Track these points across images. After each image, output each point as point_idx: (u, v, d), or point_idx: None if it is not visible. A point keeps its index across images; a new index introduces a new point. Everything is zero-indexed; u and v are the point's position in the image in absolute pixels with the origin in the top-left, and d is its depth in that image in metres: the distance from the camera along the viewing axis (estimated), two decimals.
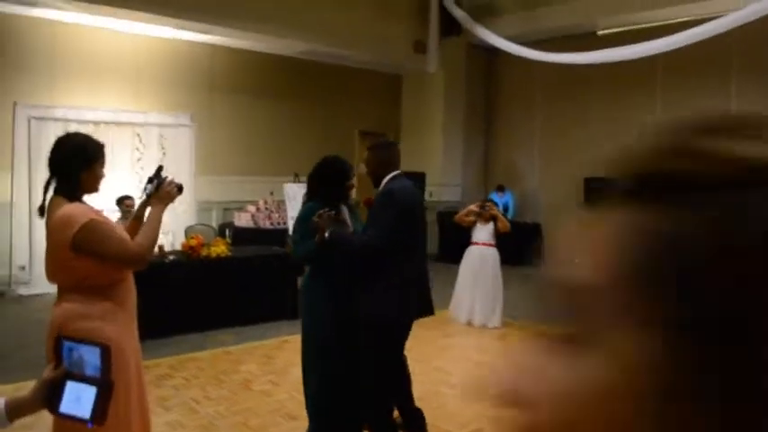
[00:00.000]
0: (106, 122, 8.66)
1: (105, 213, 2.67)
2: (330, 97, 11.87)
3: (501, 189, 12.20)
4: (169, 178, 2.68)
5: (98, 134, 8.45)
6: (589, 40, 10.76)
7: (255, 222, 9.30)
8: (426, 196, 11.99)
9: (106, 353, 1.46)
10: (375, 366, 3.48)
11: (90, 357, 1.45)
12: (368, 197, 3.76)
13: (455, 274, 10.31)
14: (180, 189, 2.72)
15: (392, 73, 12.91)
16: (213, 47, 10.27)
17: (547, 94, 12.52)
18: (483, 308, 6.74)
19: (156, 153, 9.05)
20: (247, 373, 5.18)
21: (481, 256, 6.78)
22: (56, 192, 2.43)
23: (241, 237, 8.50)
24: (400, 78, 13.19)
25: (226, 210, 10.28)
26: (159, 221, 2.55)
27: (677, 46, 8.59)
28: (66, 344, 1.43)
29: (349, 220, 3.77)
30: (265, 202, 9.71)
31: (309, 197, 3.75)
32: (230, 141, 10.56)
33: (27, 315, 6.97)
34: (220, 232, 8.80)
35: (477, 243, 6.88)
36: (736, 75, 9.95)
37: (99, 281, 2.37)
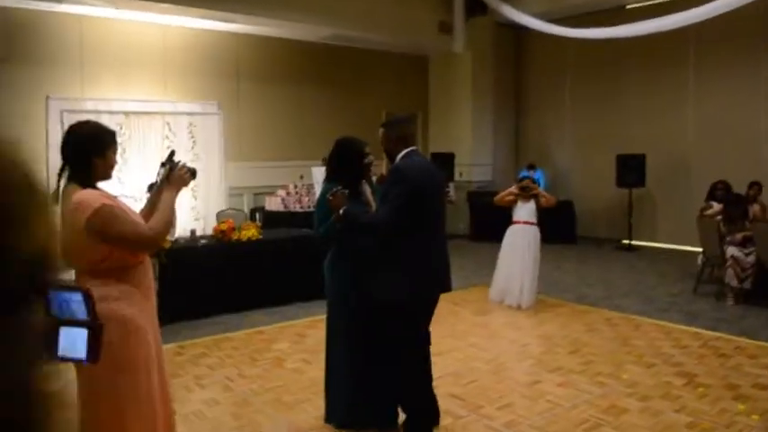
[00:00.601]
0: (136, 113, 8.76)
1: (132, 200, 2.68)
2: (356, 81, 11.85)
3: (532, 167, 12.05)
4: (181, 163, 2.67)
5: (128, 124, 8.65)
6: (618, 15, 10.54)
7: (286, 206, 9.35)
8: (456, 176, 11.96)
9: (88, 296, 1.52)
10: (395, 348, 3.47)
11: (75, 304, 1.51)
12: (381, 174, 3.73)
13: (487, 252, 10.31)
14: (193, 174, 2.69)
15: (418, 54, 12.82)
16: (238, 35, 10.32)
17: (576, 71, 12.31)
18: (524, 286, 6.67)
19: (186, 141, 9.14)
20: (280, 351, 5.23)
21: (524, 234, 6.69)
22: (69, 179, 2.46)
23: (272, 220, 8.58)
24: (427, 60, 13.09)
25: (256, 194, 10.37)
26: (172, 206, 2.56)
27: (709, 16, 8.33)
28: (51, 294, 1.46)
29: (371, 199, 3.78)
30: (295, 186, 9.77)
31: (329, 179, 3.77)
32: (258, 128, 10.63)
33: None
34: (251, 216, 8.89)
35: (518, 222, 6.79)
36: None
37: (114, 264, 2.39)
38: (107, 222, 2.33)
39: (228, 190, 9.71)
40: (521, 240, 6.68)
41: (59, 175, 2.48)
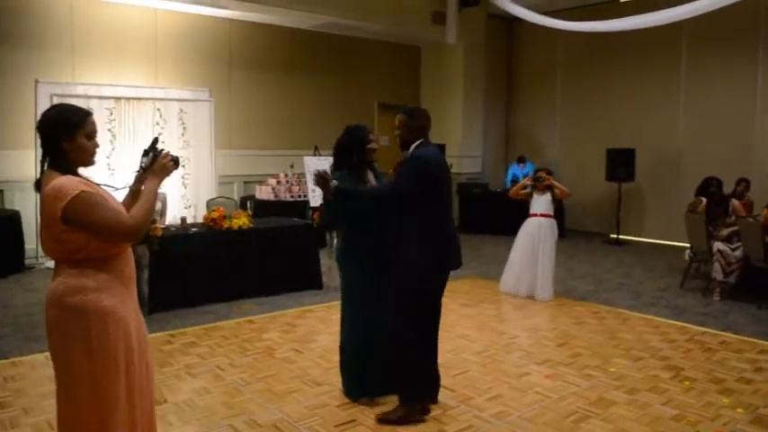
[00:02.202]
0: (127, 98, 8.68)
1: (113, 190, 2.60)
2: (348, 70, 11.81)
3: (522, 160, 12.11)
4: (165, 151, 2.58)
5: (119, 110, 8.58)
6: (610, 8, 10.58)
7: (276, 195, 9.34)
8: None
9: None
10: (410, 322, 3.61)
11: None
12: (399, 161, 3.82)
13: (476, 244, 10.39)
14: (176, 162, 2.62)
15: (411, 45, 12.79)
16: (231, 21, 10.24)
17: (568, 64, 12.35)
18: (539, 278, 6.70)
19: (177, 128, 9.07)
20: (270, 341, 5.24)
21: (540, 226, 6.71)
22: (49, 166, 2.37)
23: (262, 209, 8.56)
24: (419, 50, 13.07)
25: (247, 183, 10.34)
26: (155, 195, 2.47)
27: (703, 11, 8.36)
28: None
29: (375, 184, 3.91)
30: (286, 175, 9.76)
31: (336, 166, 3.90)
32: (249, 116, 10.58)
33: None
34: (242, 205, 8.86)
35: (534, 214, 6.80)
36: (764, 41, 9.71)
37: (93, 254, 2.31)
38: (86, 210, 2.24)
39: (219, 178, 9.67)
40: (536, 232, 6.71)
41: (42, 162, 2.40)
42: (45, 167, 2.37)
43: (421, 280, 3.58)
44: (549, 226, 6.75)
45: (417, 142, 3.67)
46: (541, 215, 6.76)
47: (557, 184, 6.81)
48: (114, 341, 2.33)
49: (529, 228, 6.80)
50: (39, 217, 2.47)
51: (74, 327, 2.29)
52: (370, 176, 3.92)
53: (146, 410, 2.53)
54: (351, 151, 3.84)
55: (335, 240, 4.08)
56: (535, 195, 6.81)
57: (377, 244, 3.75)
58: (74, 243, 2.27)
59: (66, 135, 2.35)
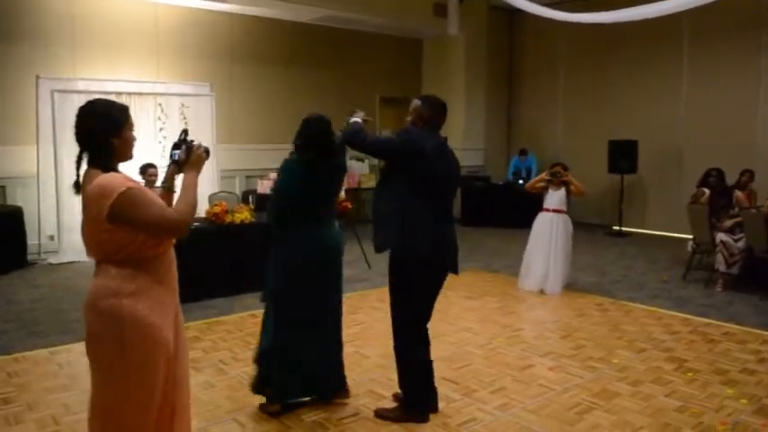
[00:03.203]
0: (128, 93, 8.67)
1: (162, 186, 2.53)
2: (350, 63, 11.79)
3: (524, 153, 12.10)
4: (197, 142, 2.52)
5: None
6: (612, 0, 10.51)
7: None
8: None
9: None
10: (404, 315, 3.56)
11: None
12: None
13: (478, 237, 10.38)
14: (207, 153, 2.58)
15: (412, 37, 12.76)
16: (232, 15, 10.22)
17: (570, 56, 12.31)
18: (550, 273, 6.70)
19: (178, 123, 9.06)
20: None
21: (552, 221, 6.71)
22: (90, 164, 2.30)
23: (264, 203, 8.53)
24: (420, 43, 13.04)
25: (248, 177, 10.33)
26: (196, 187, 2.40)
27: (704, 2, 8.31)
28: None
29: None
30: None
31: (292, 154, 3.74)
32: (251, 110, 10.56)
33: (59, 282, 7.13)
34: (244, 199, 8.86)
35: (548, 209, 6.79)
36: (767, 34, 9.66)
37: (135, 254, 2.25)
38: (133, 206, 2.18)
39: (220, 172, 9.67)
40: (549, 227, 6.71)
41: (78, 162, 2.33)
42: (83, 166, 2.32)
43: (419, 272, 3.50)
44: (563, 222, 6.74)
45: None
46: (554, 210, 6.75)
47: (573, 180, 6.79)
48: (151, 350, 2.27)
49: (541, 223, 6.80)
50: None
51: (109, 333, 2.24)
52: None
53: (183, 407, 2.49)
54: (310, 141, 3.64)
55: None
56: (550, 190, 6.80)
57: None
58: (117, 242, 2.22)
59: (116, 130, 2.31)
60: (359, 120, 3.57)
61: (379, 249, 3.51)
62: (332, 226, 3.78)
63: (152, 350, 2.27)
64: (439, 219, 3.54)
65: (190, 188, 2.38)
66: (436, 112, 3.57)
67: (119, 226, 2.19)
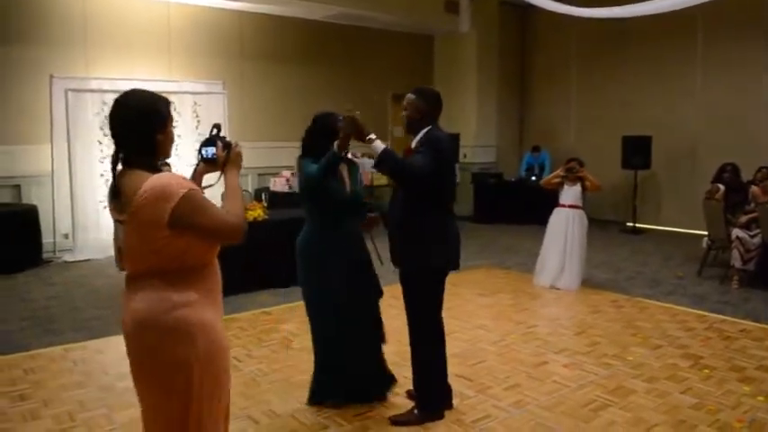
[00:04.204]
0: None
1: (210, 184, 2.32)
2: (361, 61, 11.77)
3: (536, 150, 12.04)
4: (234, 141, 2.29)
5: None
6: None
7: (291, 186, 9.33)
8: (461, 158, 11.95)
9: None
10: (424, 320, 3.54)
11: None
12: (408, 147, 3.62)
13: (490, 233, 10.35)
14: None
15: (424, 34, 12.72)
16: (242, 13, 10.23)
17: (583, 51, 12.22)
18: (566, 268, 6.67)
19: (191, 121, 9.11)
20: (287, 332, 5.26)
21: (568, 217, 6.68)
22: (128, 164, 2.05)
23: (277, 201, 8.56)
24: (432, 39, 12.99)
25: (261, 175, 10.35)
26: (240, 189, 2.21)
27: None
28: None
29: (345, 176, 3.68)
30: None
31: (304, 154, 3.68)
32: (263, 108, 10.58)
33: (74, 280, 7.17)
34: (256, 197, 8.88)
35: (563, 205, 6.77)
36: None
37: (191, 262, 2.05)
38: (196, 210, 1.96)
39: None
40: (565, 223, 6.69)
41: (114, 163, 2.07)
42: (119, 167, 2.07)
43: (432, 282, 3.50)
44: (579, 217, 6.72)
45: (428, 128, 3.43)
46: (570, 206, 6.72)
47: (589, 176, 6.75)
48: (222, 362, 2.11)
49: (557, 219, 6.77)
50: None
51: (179, 348, 2.01)
52: (343, 169, 3.66)
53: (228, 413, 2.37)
54: (318, 138, 3.60)
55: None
56: (565, 186, 6.77)
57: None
58: (174, 251, 1.99)
59: (161, 125, 2.08)
60: (379, 143, 3.27)
61: (400, 266, 3.50)
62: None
63: (225, 359, 2.13)
64: (451, 218, 3.55)
65: (237, 189, 2.19)
66: (434, 104, 3.51)
67: (179, 232, 1.96)
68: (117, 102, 2.07)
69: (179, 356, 2.00)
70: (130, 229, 1.99)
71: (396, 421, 3.57)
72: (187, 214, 1.95)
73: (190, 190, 1.97)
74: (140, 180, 1.96)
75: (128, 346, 2.07)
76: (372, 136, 3.26)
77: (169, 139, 2.12)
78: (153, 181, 1.95)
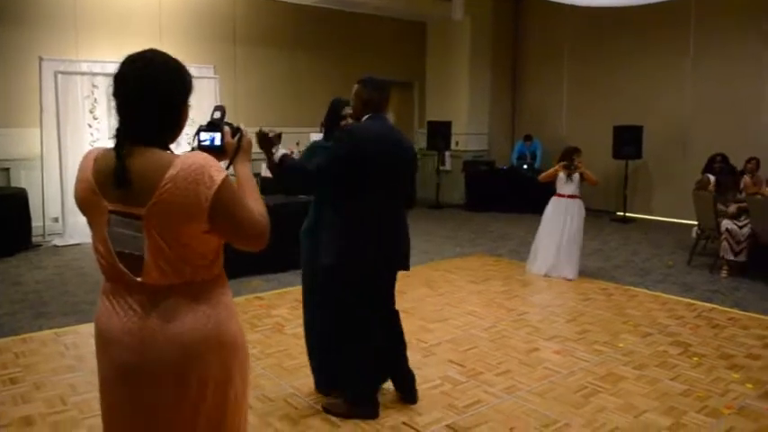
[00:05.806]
0: None
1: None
2: (354, 47, 11.71)
3: (528, 139, 12.05)
4: (243, 129, 1.92)
5: None
6: None
7: None
8: (452, 145, 11.95)
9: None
10: (343, 319, 3.41)
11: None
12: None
13: (482, 221, 10.38)
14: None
15: (416, 21, 12.66)
16: None
17: (575, 40, 12.20)
18: (562, 258, 6.69)
19: None
20: (279, 317, 5.26)
21: (566, 207, 6.70)
22: (143, 141, 1.59)
23: (268, 186, 8.53)
24: (424, 26, 12.95)
25: (252, 161, 10.18)
26: (255, 182, 1.83)
27: None
28: None
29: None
30: (291, 153, 9.68)
31: (325, 138, 3.81)
32: (254, 93, 10.52)
33: (64, 264, 7.13)
34: None
35: (562, 195, 6.78)
36: None
37: (214, 267, 1.69)
38: (235, 202, 1.60)
39: None
40: (564, 213, 6.70)
41: (120, 139, 1.58)
42: (126, 144, 1.59)
43: (341, 277, 3.34)
44: (578, 207, 6.74)
45: (366, 116, 3.33)
46: (569, 196, 6.74)
47: (587, 172, 6.78)
48: (248, 372, 1.82)
49: (555, 209, 6.77)
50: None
51: (227, 367, 1.70)
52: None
53: None
54: (329, 122, 3.75)
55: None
56: (564, 176, 6.78)
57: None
58: (205, 252, 1.63)
59: (186, 95, 1.67)
60: (284, 151, 3.17)
61: (325, 267, 3.36)
62: None
63: (244, 372, 1.80)
64: (386, 216, 3.33)
65: (254, 185, 1.79)
66: (377, 93, 3.38)
67: (215, 226, 1.58)
68: (138, 59, 1.64)
69: (227, 374, 1.70)
70: (153, 226, 1.54)
71: (327, 409, 3.49)
72: (227, 205, 1.57)
73: (227, 176, 1.59)
74: (163, 160, 1.55)
75: (160, 378, 1.60)
76: (280, 152, 3.13)
77: (186, 114, 1.70)
78: (184, 160, 1.54)
